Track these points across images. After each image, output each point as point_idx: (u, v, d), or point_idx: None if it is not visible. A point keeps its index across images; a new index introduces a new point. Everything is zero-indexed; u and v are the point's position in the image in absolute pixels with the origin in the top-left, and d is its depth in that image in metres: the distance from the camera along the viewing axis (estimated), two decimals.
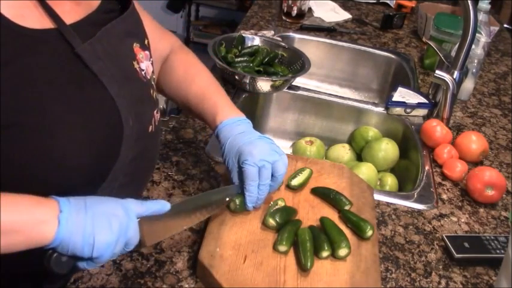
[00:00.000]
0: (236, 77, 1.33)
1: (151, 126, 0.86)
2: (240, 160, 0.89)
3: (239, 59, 1.40)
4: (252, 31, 1.79)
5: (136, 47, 0.84)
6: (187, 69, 1.01)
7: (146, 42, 0.88)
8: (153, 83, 0.88)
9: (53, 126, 0.69)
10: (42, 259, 0.66)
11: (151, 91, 0.87)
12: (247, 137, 0.91)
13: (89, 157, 0.73)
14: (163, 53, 1.03)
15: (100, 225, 0.67)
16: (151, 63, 0.88)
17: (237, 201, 0.90)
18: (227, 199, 0.89)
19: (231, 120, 0.93)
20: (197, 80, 0.99)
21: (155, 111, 0.88)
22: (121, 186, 0.81)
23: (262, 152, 0.88)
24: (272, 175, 0.89)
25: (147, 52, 0.87)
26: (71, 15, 0.74)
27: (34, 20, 0.69)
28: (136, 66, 0.83)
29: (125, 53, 0.81)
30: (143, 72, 0.84)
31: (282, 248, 0.86)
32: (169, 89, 1.02)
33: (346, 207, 0.96)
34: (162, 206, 0.75)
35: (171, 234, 0.87)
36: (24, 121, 0.67)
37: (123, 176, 0.80)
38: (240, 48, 1.46)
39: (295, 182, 1.00)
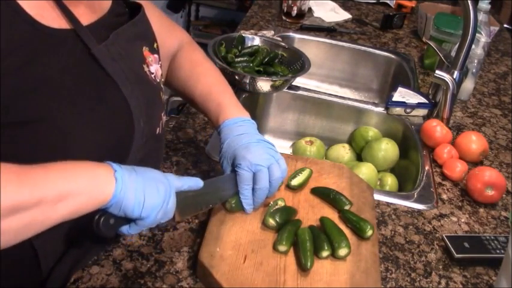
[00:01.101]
0: (236, 77, 1.33)
1: (158, 128, 0.87)
2: (234, 163, 0.89)
3: (239, 59, 1.40)
4: (252, 31, 1.79)
5: (145, 50, 0.85)
6: (194, 66, 1.02)
7: (155, 45, 0.89)
8: (162, 85, 0.89)
9: (67, 124, 0.71)
10: (91, 225, 0.69)
11: (161, 94, 0.88)
12: (244, 140, 0.90)
13: (100, 156, 0.74)
14: (172, 49, 1.03)
15: (150, 187, 0.71)
16: (160, 66, 0.89)
17: (232, 202, 0.91)
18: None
19: (232, 121, 0.93)
20: (203, 78, 1.00)
21: (162, 114, 0.90)
22: None
23: (256, 156, 0.88)
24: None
25: (156, 55, 0.88)
26: (85, 17, 0.75)
27: (52, 19, 0.70)
28: (146, 69, 0.84)
29: (135, 56, 0.83)
30: (153, 75, 0.85)
31: (282, 247, 0.86)
32: (177, 86, 1.03)
33: (346, 207, 0.96)
34: (196, 182, 0.81)
35: (200, 212, 0.91)
36: (40, 118, 0.68)
37: None
38: (240, 48, 1.46)
39: (295, 182, 1.00)
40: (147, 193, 0.71)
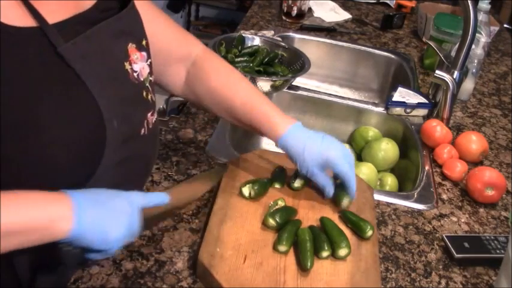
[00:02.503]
0: None
1: (143, 129, 0.84)
2: (327, 165, 0.94)
3: (239, 59, 1.40)
4: (252, 31, 1.79)
5: (131, 47, 0.82)
6: (226, 78, 1.01)
7: (144, 42, 0.86)
8: (147, 84, 0.86)
9: (34, 125, 0.69)
10: (55, 252, 0.69)
11: (145, 93, 0.85)
12: (317, 141, 0.94)
13: (69, 157, 0.73)
14: (185, 55, 1.01)
15: (111, 221, 0.71)
16: (149, 65, 0.87)
17: (248, 188, 0.97)
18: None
19: (292, 129, 0.95)
20: (240, 89, 0.99)
21: (149, 114, 0.86)
22: (108, 187, 0.79)
23: (341, 150, 0.95)
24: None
25: (143, 53, 0.85)
26: (57, 14, 0.73)
27: (16, 18, 0.68)
28: (128, 67, 0.81)
29: (116, 53, 0.80)
30: (135, 74, 0.83)
31: (282, 248, 0.86)
32: (208, 100, 1.01)
33: (369, 233, 0.93)
34: (162, 199, 0.81)
35: (168, 218, 0.94)
36: (6, 119, 0.67)
37: (109, 179, 0.79)
38: (240, 48, 1.46)
39: (297, 183, 1.01)
40: (108, 227, 0.71)
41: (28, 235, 0.66)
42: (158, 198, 0.81)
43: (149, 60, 0.87)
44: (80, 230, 0.68)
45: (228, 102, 0.98)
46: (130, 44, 0.82)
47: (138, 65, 0.84)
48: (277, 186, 1.01)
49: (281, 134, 0.94)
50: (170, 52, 0.98)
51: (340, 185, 0.97)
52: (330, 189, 0.96)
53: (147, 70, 0.86)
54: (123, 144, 0.79)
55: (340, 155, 0.94)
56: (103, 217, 0.70)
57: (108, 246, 0.72)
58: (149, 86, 0.87)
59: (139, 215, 0.76)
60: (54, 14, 0.73)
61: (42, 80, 0.70)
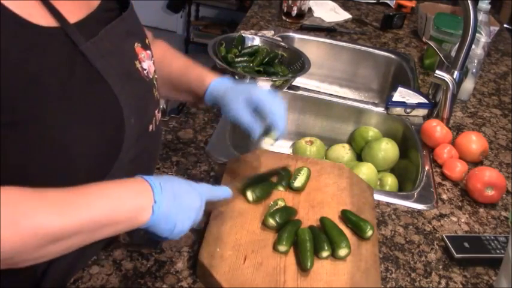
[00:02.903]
0: (236, 77, 1.33)
1: (151, 126, 0.86)
2: (250, 102, 0.93)
3: (239, 59, 1.40)
4: (252, 31, 1.79)
5: (137, 46, 0.84)
6: (164, 52, 1.05)
7: (147, 41, 0.88)
8: (155, 82, 0.88)
9: (57, 123, 0.70)
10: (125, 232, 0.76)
11: (154, 90, 0.88)
12: (242, 85, 0.97)
13: (90, 155, 0.74)
14: None
15: (181, 216, 0.76)
16: (153, 63, 0.89)
17: (250, 191, 0.96)
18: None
19: (219, 79, 0.98)
20: (176, 58, 1.05)
21: (156, 111, 0.89)
22: None
23: (264, 90, 0.96)
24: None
25: (148, 52, 0.87)
26: (73, 14, 0.75)
27: (40, 18, 0.69)
28: (138, 65, 0.83)
29: (127, 52, 0.82)
30: (145, 72, 0.85)
31: (282, 248, 0.86)
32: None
33: (369, 233, 0.92)
34: (227, 193, 0.85)
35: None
36: (30, 118, 0.68)
37: (124, 175, 0.80)
38: (240, 48, 1.46)
39: (297, 183, 1.01)
40: (178, 222, 0.75)
41: (114, 227, 0.69)
42: (224, 193, 0.85)
43: (153, 59, 0.89)
44: (154, 221, 0.72)
45: (167, 73, 1.02)
46: (136, 44, 0.84)
47: (146, 63, 0.86)
48: (281, 189, 1.01)
49: (207, 84, 0.98)
50: None
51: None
52: (256, 128, 0.93)
53: (153, 68, 0.88)
54: (136, 142, 0.81)
55: (266, 91, 0.95)
56: (175, 211, 0.74)
57: (172, 236, 0.76)
58: (156, 83, 0.89)
59: (203, 208, 0.80)
60: (71, 14, 0.74)
61: (68, 78, 0.71)
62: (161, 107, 1.92)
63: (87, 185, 0.69)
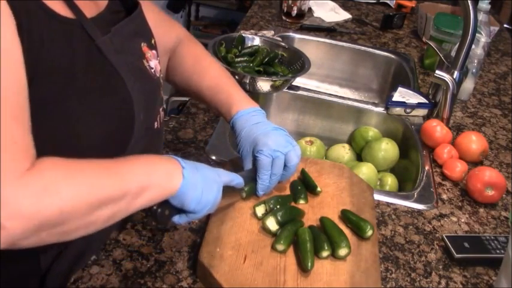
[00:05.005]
0: (236, 77, 1.33)
1: (156, 123, 0.88)
2: (254, 150, 0.92)
3: (239, 59, 1.40)
4: (252, 31, 1.79)
5: (144, 46, 0.86)
6: (198, 61, 1.04)
7: (153, 41, 0.90)
8: (161, 81, 0.90)
9: (74, 111, 0.71)
10: (149, 214, 0.77)
11: (159, 89, 0.89)
12: (262, 128, 0.94)
13: (100, 145, 0.75)
14: (170, 44, 1.04)
15: (208, 185, 0.79)
16: (159, 62, 0.90)
17: (246, 189, 0.92)
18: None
19: (246, 111, 0.96)
20: (209, 72, 1.02)
21: (161, 109, 0.91)
22: None
23: (276, 142, 0.91)
24: (285, 165, 0.93)
25: (154, 51, 0.89)
26: (88, 10, 0.76)
27: (60, 8, 0.71)
28: (146, 64, 0.85)
29: (135, 51, 0.83)
30: (152, 70, 0.86)
31: (280, 247, 0.86)
32: (181, 81, 1.05)
33: (369, 233, 0.92)
34: (240, 181, 0.87)
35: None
36: (48, 102, 0.69)
37: None
38: (240, 48, 1.46)
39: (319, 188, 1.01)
40: (204, 191, 0.78)
41: (152, 191, 0.72)
42: (237, 180, 0.87)
43: (158, 58, 0.90)
44: (184, 188, 0.75)
45: (196, 86, 1.01)
46: (143, 43, 0.86)
47: (153, 62, 0.87)
48: (302, 202, 0.98)
49: (234, 113, 0.96)
50: (160, 46, 0.99)
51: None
52: (247, 165, 0.94)
53: (159, 67, 0.90)
54: (143, 138, 0.83)
55: (270, 145, 0.90)
56: (200, 180, 0.77)
57: (200, 207, 0.78)
58: (162, 82, 0.91)
59: (221, 190, 0.81)
60: (87, 10, 0.76)
61: (85, 69, 0.72)
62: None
63: (122, 157, 0.73)
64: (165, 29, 1.03)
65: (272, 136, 0.92)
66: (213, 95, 1.00)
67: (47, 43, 0.67)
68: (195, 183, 0.76)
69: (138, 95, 0.79)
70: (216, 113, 1.02)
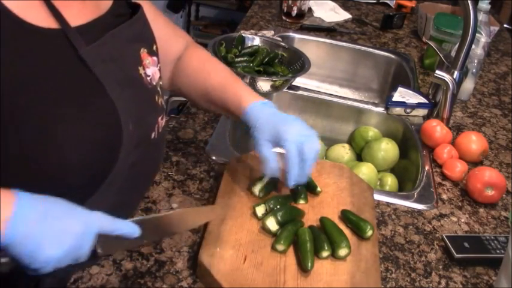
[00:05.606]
0: None
1: (154, 133, 0.85)
2: (277, 138, 0.89)
3: (239, 59, 1.40)
4: (252, 31, 1.79)
5: (143, 52, 0.83)
6: (204, 62, 1.02)
7: (154, 47, 0.87)
8: (159, 89, 0.87)
9: (52, 126, 0.69)
10: None
11: (157, 97, 0.86)
12: (279, 117, 0.91)
13: (86, 158, 0.73)
14: (178, 52, 1.03)
15: (50, 239, 0.64)
16: (159, 69, 0.88)
17: (258, 187, 0.93)
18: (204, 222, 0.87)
19: (259, 103, 0.93)
20: (215, 72, 1.01)
21: (160, 118, 0.87)
22: (120, 190, 0.80)
23: (299, 129, 0.89)
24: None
25: (154, 58, 0.86)
26: (78, 17, 0.74)
27: (41, 19, 0.69)
28: (141, 71, 0.82)
29: (130, 58, 0.81)
30: (148, 78, 0.84)
31: (280, 247, 0.86)
32: (186, 83, 1.02)
33: (369, 233, 0.92)
34: (132, 231, 0.71)
35: (127, 249, 0.87)
36: (24, 119, 0.67)
37: (123, 181, 0.80)
38: (240, 48, 1.46)
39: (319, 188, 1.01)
40: (44, 244, 0.63)
41: None
42: (127, 229, 0.71)
43: (159, 65, 0.88)
44: (10, 239, 0.61)
45: (204, 86, 0.99)
46: (142, 49, 0.83)
47: (151, 70, 0.84)
48: (302, 202, 0.98)
49: (246, 106, 0.93)
50: (167, 52, 0.98)
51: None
52: (269, 165, 0.89)
53: (158, 74, 0.87)
54: (136, 149, 0.80)
55: (294, 133, 0.88)
56: (42, 232, 0.63)
57: (37, 264, 0.63)
58: (160, 90, 0.88)
59: (90, 240, 0.67)
60: (75, 18, 0.74)
61: (63, 81, 0.70)
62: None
63: None
64: (174, 37, 1.02)
65: (294, 124, 0.90)
66: (221, 94, 0.98)
67: (18, 57, 0.65)
68: (28, 236, 0.61)
69: (126, 105, 0.76)
70: (224, 112, 1.00)
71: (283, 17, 1.95)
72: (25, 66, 0.67)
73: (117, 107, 0.75)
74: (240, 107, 0.94)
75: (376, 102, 1.62)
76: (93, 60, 0.73)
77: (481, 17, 1.52)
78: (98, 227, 0.68)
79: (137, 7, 0.86)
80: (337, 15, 2.06)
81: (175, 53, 1.02)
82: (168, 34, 0.99)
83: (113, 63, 0.76)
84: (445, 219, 1.09)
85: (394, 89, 1.46)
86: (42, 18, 0.69)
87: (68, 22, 0.71)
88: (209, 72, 1.01)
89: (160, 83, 0.89)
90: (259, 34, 1.70)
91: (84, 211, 0.68)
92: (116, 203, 0.78)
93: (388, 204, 1.10)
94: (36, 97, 0.68)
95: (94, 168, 0.75)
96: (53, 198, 0.66)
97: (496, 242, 0.99)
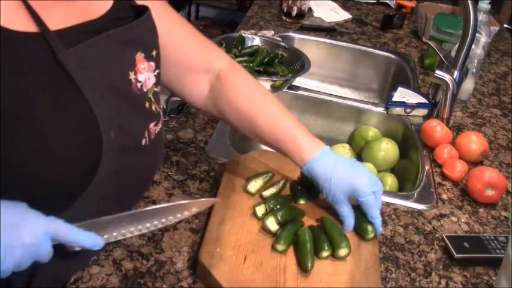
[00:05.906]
0: None
1: (144, 140, 0.82)
2: (353, 194, 0.91)
3: (239, 59, 1.40)
4: (252, 31, 1.79)
5: (139, 56, 0.81)
6: (249, 92, 0.98)
7: (154, 53, 0.85)
8: (150, 95, 0.84)
9: (28, 132, 0.69)
10: None
11: (147, 104, 0.83)
12: (346, 169, 0.92)
13: (64, 166, 0.72)
14: (202, 67, 0.99)
15: None
16: (156, 75, 0.85)
17: (253, 185, 0.97)
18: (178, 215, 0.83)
19: (319, 154, 0.92)
20: (263, 106, 0.96)
21: (152, 124, 0.84)
22: (105, 198, 0.78)
23: (369, 180, 0.92)
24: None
25: (151, 63, 0.84)
26: (61, 20, 0.73)
27: (18, 22, 0.68)
28: (132, 76, 0.80)
29: (122, 62, 0.79)
30: (139, 84, 0.81)
31: (280, 247, 0.86)
32: (229, 114, 0.98)
33: (371, 235, 0.93)
34: (95, 243, 0.71)
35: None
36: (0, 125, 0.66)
37: (107, 188, 0.78)
38: (240, 48, 1.46)
39: (302, 201, 0.99)
40: None
41: None
42: (88, 242, 0.70)
43: (157, 71, 0.85)
44: None
45: (251, 120, 0.96)
46: (139, 53, 0.81)
47: (144, 75, 0.82)
48: (302, 202, 0.98)
49: (308, 159, 0.92)
50: (190, 63, 0.96)
51: (365, 215, 0.93)
52: (350, 221, 0.93)
53: (153, 81, 0.84)
54: (121, 155, 0.78)
55: (368, 184, 0.91)
56: None
57: None
58: (152, 97, 0.85)
59: (46, 245, 0.67)
60: (58, 21, 0.72)
61: (38, 86, 0.69)
62: (162, 106, 1.91)
63: None
64: (200, 47, 0.99)
65: (362, 175, 0.92)
66: (271, 133, 0.94)
67: None
68: None
69: (106, 111, 0.74)
70: (277, 151, 0.98)
71: (283, 17, 1.95)
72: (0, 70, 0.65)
73: (95, 113, 0.73)
74: (301, 160, 0.93)
75: (376, 102, 1.62)
76: (71, 63, 0.71)
77: (481, 17, 1.52)
78: (52, 234, 0.68)
79: (143, 11, 0.83)
80: (337, 15, 2.06)
81: (201, 66, 0.98)
82: (190, 44, 0.97)
83: (96, 67, 0.74)
84: (445, 219, 1.09)
85: (394, 89, 1.46)
86: (19, 22, 0.68)
87: (46, 25, 0.70)
88: (255, 107, 0.96)
89: (156, 89, 0.86)
90: (259, 34, 1.70)
91: (38, 219, 0.67)
92: (101, 210, 0.76)
93: (388, 204, 1.10)
94: (10, 104, 0.67)
95: (74, 175, 0.74)
96: (4, 204, 0.66)
97: (496, 242, 0.99)
